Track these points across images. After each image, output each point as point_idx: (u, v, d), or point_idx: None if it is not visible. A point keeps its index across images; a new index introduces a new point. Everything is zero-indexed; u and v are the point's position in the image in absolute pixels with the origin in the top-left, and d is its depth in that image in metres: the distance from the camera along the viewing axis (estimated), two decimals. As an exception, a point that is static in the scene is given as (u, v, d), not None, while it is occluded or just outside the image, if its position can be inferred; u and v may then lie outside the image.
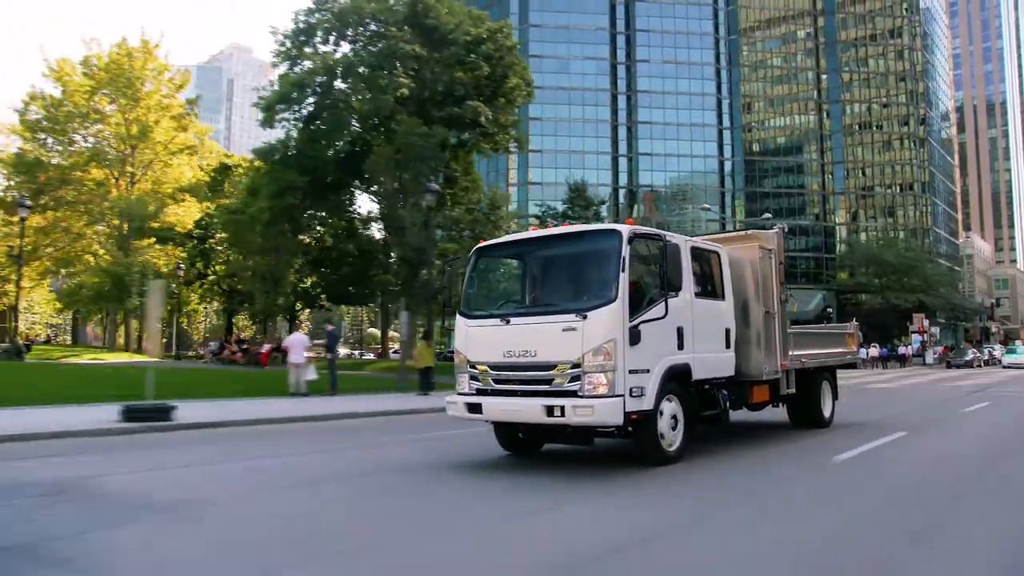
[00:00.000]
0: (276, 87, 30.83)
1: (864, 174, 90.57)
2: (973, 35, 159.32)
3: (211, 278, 48.17)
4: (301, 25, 31.33)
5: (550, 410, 6.91)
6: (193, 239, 48.79)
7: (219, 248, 48.75)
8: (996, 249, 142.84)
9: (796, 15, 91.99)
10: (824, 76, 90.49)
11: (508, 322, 7.62)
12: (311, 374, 17.52)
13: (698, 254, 8.43)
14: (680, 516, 5.71)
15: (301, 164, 30.06)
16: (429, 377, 18.81)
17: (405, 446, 10.29)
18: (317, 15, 31.48)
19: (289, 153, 30.86)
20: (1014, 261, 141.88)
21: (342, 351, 51.64)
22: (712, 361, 8.31)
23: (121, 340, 52.96)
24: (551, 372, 7.13)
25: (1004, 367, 46.65)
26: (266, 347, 34.26)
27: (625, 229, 7.34)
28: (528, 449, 8.76)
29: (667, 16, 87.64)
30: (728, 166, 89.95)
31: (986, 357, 53.95)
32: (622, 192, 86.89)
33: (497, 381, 7.56)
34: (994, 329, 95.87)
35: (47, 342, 64.15)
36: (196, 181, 47.72)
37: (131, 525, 5.35)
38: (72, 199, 42.22)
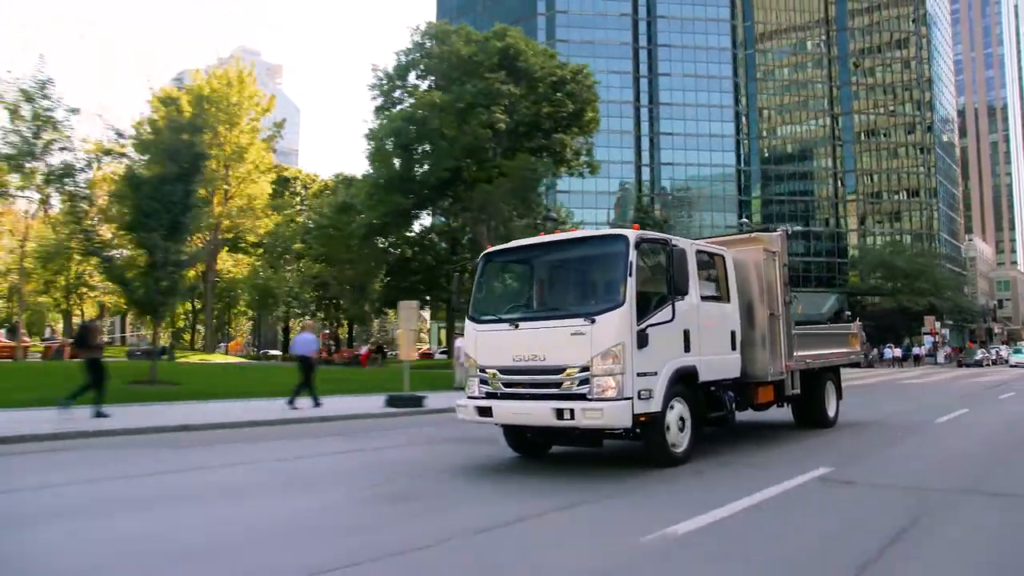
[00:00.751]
0: (384, 120, 35.34)
1: (872, 180, 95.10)
2: (975, 41, 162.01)
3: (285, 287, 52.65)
4: (403, 61, 35.82)
5: (560, 413, 7.02)
6: (261, 247, 53.28)
7: (287, 256, 53.24)
8: (997, 251, 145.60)
9: (810, 29, 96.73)
10: (836, 88, 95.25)
11: (517, 326, 7.71)
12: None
13: (703, 257, 8.60)
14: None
15: (404, 189, 34.49)
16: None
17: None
18: (414, 55, 35.93)
19: (392, 178, 35.14)
20: (1015, 263, 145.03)
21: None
22: (718, 363, 8.45)
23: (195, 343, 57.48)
24: (560, 376, 7.22)
25: (1011, 366, 49.88)
26: (364, 349, 38.62)
27: (632, 234, 7.48)
28: (536, 451, 8.90)
29: (687, 32, 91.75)
30: (745, 174, 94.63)
31: (993, 357, 57.77)
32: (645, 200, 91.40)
33: (507, 385, 7.67)
34: (997, 330, 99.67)
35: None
36: (269, 194, 52.07)
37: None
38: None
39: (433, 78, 36.02)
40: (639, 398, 7.05)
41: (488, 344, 7.96)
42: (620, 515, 5.89)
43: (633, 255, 7.26)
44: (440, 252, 41.68)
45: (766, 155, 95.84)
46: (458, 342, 21.90)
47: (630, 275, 7.18)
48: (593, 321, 7.11)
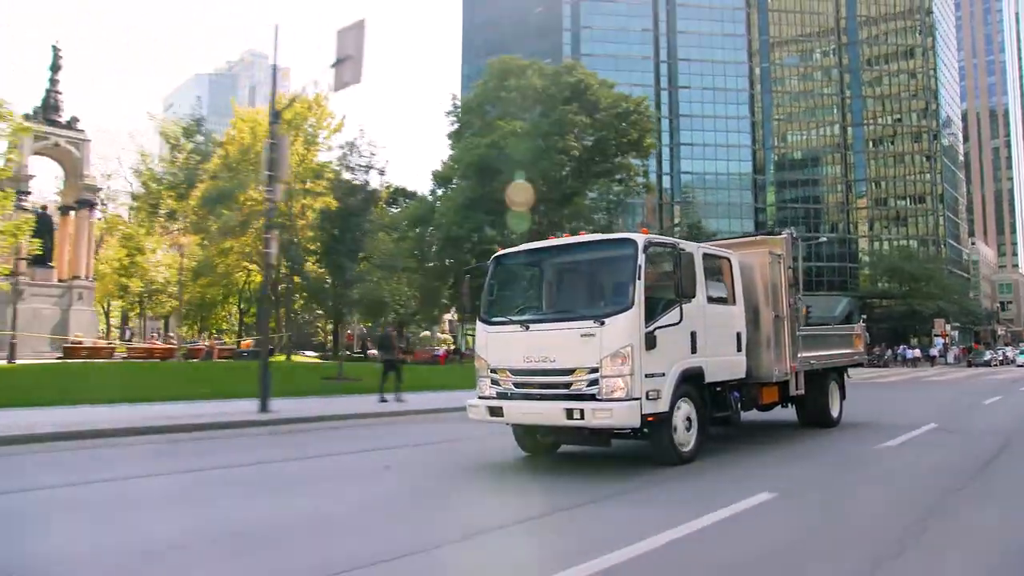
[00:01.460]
0: (463, 146, 39.65)
1: (880, 187, 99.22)
2: (976, 48, 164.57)
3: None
4: (477, 92, 40.13)
5: (570, 413, 7.15)
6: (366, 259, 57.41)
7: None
8: (999, 255, 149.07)
9: (822, 43, 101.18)
10: (848, 99, 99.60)
11: (528, 328, 7.82)
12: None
13: (710, 260, 8.69)
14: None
15: (485, 208, 38.73)
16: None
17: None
18: (489, 84, 40.20)
19: (475, 198, 39.27)
20: (1016, 266, 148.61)
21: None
22: (724, 364, 8.59)
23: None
24: (570, 376, 7.34)
25: (1018, 366, 52.89)
26: (442, 350, 42.86)
27: (640, 238, 7.57)
28: (545, 450, 9.03)
29: (705, 46, 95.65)
30: (760, 182, 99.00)
31: (1001, 357, 61.10)
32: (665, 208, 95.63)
33: (517, 385, 7.79)
34: (1000, 332, 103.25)
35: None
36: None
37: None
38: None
39: (511, 109, 39.98)
40: (647, 398, 7.20)
41: (499, 345, 8.07)
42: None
43: (641, 258, 7.38)
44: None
45: (782, 164, 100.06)
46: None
47: (638, 278, 7.31)
48: (602, 323, 7.24)
